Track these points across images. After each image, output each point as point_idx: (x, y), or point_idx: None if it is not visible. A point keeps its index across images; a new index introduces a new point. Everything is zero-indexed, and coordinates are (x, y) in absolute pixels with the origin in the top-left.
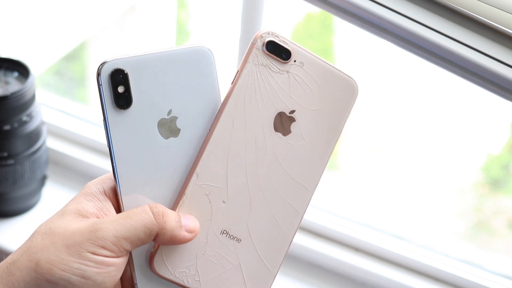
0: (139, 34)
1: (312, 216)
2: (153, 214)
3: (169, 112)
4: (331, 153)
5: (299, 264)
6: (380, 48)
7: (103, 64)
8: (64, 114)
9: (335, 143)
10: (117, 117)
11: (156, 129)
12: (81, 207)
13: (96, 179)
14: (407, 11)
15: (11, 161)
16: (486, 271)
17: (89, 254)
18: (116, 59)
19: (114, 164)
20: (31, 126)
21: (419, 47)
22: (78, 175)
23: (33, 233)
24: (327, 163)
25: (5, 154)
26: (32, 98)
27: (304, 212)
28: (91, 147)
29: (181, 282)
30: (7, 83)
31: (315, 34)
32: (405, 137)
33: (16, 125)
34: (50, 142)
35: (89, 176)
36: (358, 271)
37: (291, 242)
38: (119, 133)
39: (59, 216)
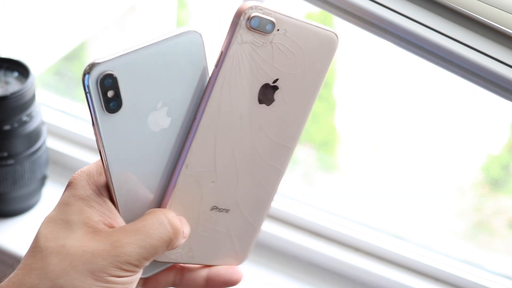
0: (139, 34)
1: (312, 216)
2: (172, 230)
3: (160, 104)
4: (312, 108)
5: (299, 264)
6: (380, 48)
7: (90, 67)
8: (64, 114)
9: (315, 98)
10: (107, 121)
11: (148, 124)
12: (86, 217)
13: (83, 174)
14: (407, 11)
15: (11, 161)
16: (486, 271)
17: (114, 278)
18: (103, 62)
19: (108, 167)
20: (31, 126)
21: (419, 47)
22: None
23: (41, 249)
24: (307, 118)
25: (5, 154)
26: (32, 98)
27: (286, 168)
28: (91, 147)
29: (176, 261)
30: (7, 83)
31: None
32: (405, 136)
33: (16, 125)
34: (50, 142)
35: None
36: (357, 271)
37: (273, 197)
38: (110, 136)
39: (67, 229)
